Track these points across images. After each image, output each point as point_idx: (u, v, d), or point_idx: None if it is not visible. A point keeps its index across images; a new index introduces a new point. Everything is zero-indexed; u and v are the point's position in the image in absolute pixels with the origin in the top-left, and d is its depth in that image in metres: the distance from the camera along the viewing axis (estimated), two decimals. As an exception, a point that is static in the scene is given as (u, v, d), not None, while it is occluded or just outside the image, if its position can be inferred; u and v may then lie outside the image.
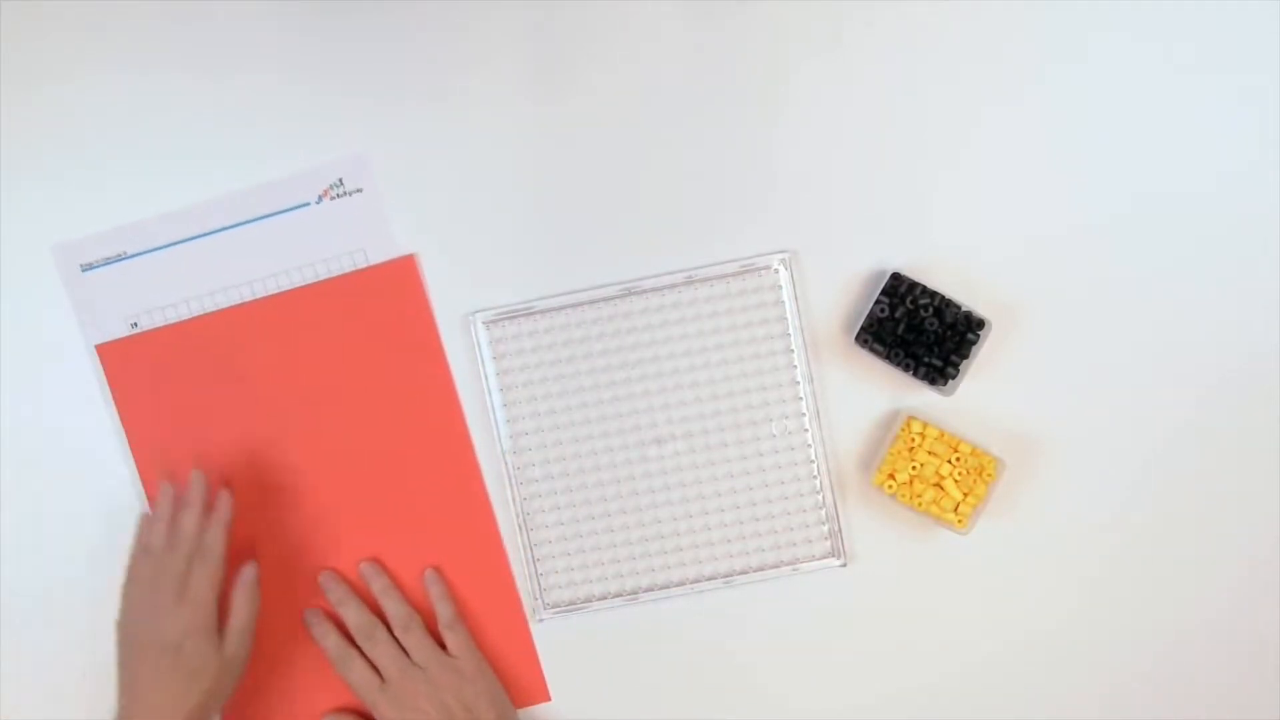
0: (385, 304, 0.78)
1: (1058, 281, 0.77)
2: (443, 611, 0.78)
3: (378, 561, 0.78)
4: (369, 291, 0.78)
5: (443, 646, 0.77)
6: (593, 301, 0.77)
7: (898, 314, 0.74)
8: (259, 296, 0.78)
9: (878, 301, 0.75)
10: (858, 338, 0.75)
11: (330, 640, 0.77)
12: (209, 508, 0.75)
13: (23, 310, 0.78)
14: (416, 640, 0.77)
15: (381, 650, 0.76)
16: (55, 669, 0.79)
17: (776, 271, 0.77)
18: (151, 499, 0.78)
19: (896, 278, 0.74)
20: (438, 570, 0.78)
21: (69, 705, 0.79)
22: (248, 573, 0.75)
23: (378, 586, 0.78)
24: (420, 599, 0.78)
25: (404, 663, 0.76)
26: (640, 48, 0.77)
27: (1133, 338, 0.77)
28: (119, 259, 0.78)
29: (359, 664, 0.76)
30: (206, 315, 0.78)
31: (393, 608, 0.77)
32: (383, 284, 0.78)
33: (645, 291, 0.77)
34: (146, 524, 0.76)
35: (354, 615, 0.77)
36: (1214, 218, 0.76)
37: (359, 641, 0.77)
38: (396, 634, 0.77)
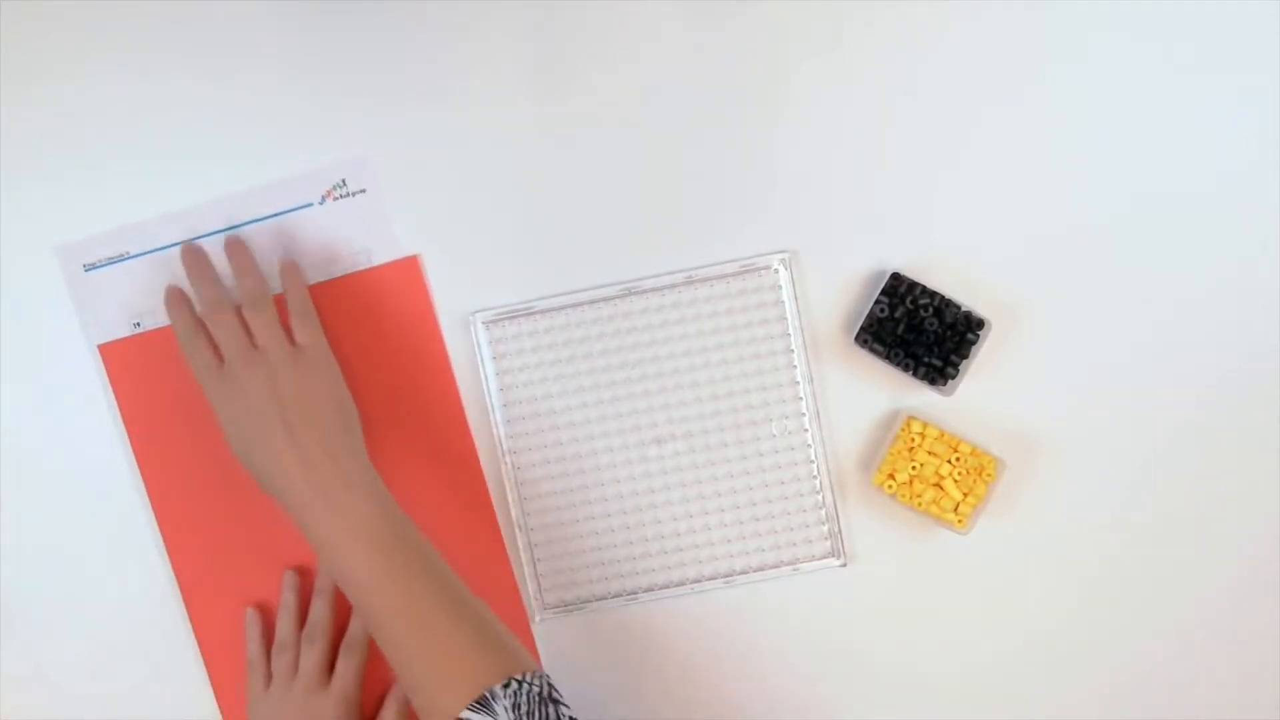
0: (389, 305, 0.78)
1: (1058, 281, 0.77)
2: (294, 297, 0.72)
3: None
4: (373, 292, 0.78)
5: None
6: (593, 301, 0.77)
7: (898, 314, 0.74)
8: (260, 296, 0.78)
9: (878, 301, 0.75)
10: (858, 338, 0.75)
11: (180, 314, 0.72)
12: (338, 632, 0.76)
13: (23, 310, 0.78)
14: (263, 321, 0.70)
15: (224, 328, 0.70)
16: (55, 669, 0.79)
17: (776, 271, 0.77)
18: (156, 506, 0.78)
19: (896, 278, 0.74)
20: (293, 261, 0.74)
21: (69, 705, 0.79)
22: None
23: (237, 263, 0.72)
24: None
25: (245, 344, 0.70)
26: (640, 48, 0.77)
27: (1133, 338, 0.77)
28: (122, 259, 0.78)
29: (203, 343, 0.71)
30: (208, 315, 0.78)
31: (247, 284, 0.71)
32: (387, 285, 0.78)
33: (645, 291, 0.77)
34: (260, 653, 0.77)
35: (206, 289, 0.71)
36: (1214, 218, 0.76)
37: (205, 316, 0.71)
38: (245, 314, 0.71)
